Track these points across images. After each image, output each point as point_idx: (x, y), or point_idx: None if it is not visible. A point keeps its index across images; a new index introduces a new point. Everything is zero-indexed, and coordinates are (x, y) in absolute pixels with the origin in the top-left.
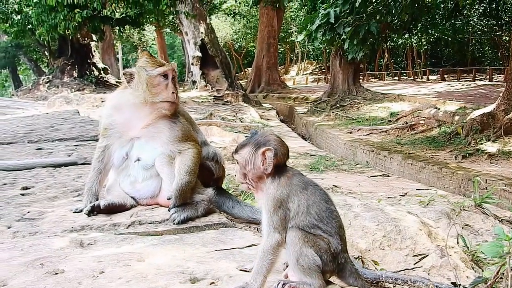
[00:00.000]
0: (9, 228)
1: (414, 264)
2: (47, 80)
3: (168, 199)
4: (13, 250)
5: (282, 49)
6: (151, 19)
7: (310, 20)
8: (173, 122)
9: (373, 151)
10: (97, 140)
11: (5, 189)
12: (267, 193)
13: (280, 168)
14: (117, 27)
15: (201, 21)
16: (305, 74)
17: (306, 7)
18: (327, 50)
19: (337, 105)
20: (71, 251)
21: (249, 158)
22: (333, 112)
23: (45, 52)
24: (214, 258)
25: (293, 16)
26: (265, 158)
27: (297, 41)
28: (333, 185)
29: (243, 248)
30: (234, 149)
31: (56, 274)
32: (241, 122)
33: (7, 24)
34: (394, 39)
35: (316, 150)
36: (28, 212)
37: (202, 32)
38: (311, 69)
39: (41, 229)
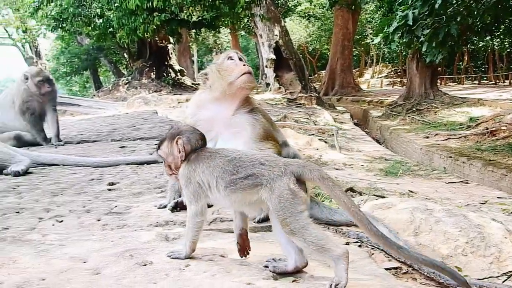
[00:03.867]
0: (98, 220)
1: (500, 273)
2: (126, 81)
3: None
4: (104, 241)
5: (356, 52)
6: (226, 22)
7: (387, 22)
8: (254, 119)
9: (451, 157)
10: None
11: (93, 184)
12: (180, 174)
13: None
14: (194, 30)
15: (276, 24)
16: (380, 77)
17: (382, 9)
18: (403, 53)
19: (413, 109)
20: (158, 244)
21: (168, 150)
22: (409, 116)
23: (125, 54)
24: None
25: (369, 19)
26: (179, 146)
27: (373, 44)
28: (409, 191)
29: None
30: (156, 147)
31: (145, 265)
32: (315, 124)
33: (90, 28)
34: (475, 41)
35: (391, 155)
36: (116, 206)
37: (276, 35)
38: (386, 72)
39: (128, 222)
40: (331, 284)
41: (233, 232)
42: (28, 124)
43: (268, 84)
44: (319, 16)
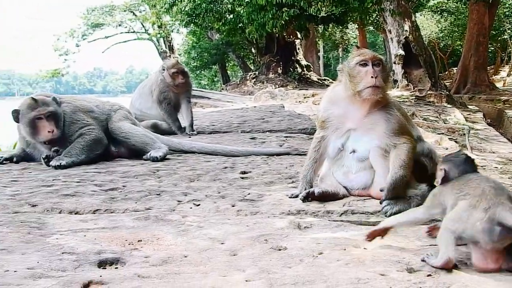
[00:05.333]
0: (233, 206)
1: None
2: (254, 76)
3: (381, 191)
4: (240, 225)
5: (492, 48)
6: (355, 17)
7: None
8: (389, 114)
9: None
10: (305, 133)
11: (227, 172)
12: None
13: None
14: (321, 25)
15: (406, 19)
16: None
17: None
18: None
19: None
20: (290, 231)
21: None
22: None
23: (253, 49)
24: (429, 251)
25: (507, 13)
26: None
27: (511, 40)
28: None
29: (459, 245)
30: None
31: (279, 250)
32: (444, 123)
33: (220, 23)
34: None
35: None
36: (249, 194)
37: (406, 30)
38: None
39: (261, 209)
40: None
41: (364, 224)
42: (165, 114)
43: (395, 81)
44: (452, 10)
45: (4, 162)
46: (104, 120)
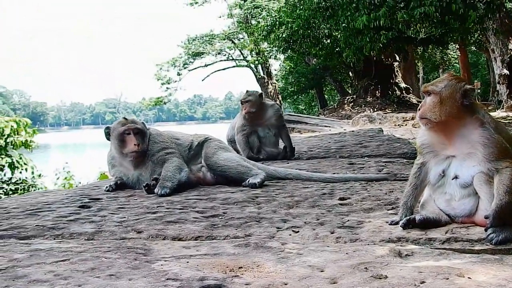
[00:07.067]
0: (332, 233)
1: None
2: (351, 99)
3: (486, 218)
4: (339, 253)
5: None
6: (455, 38)
7: None
8: (486, 139)
9: None
10: (404, 158)
11: (325, 199)
12: None
13: None
14: (420, 47)
15: (510, 38)
16: None
17: None
18: None
19: None
20: (391, 259)
21: None
22: None
23: (350, 73)
24: None
25: None
26: None
27: None
28: None
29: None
30: None
31: (380, 278)
32: None
33: (317, 48)
34: None
35: None
36: (348, 220)
37: (510, 49)
38: None
39: (360, 236)
40: None
41: (468, 253)
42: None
43: (500, 102)
44: None
45: (112, 189)
46: (187, 147)
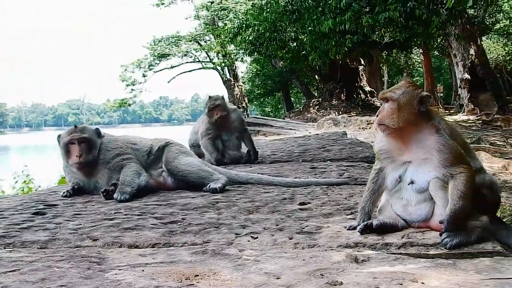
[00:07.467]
0: (290, 239)
1: None
2: (317, 102)
3: (441, 223)
4: (296, 259)
5: None
6: (419, 42)
7: None
8: (441, 145)
9: None
10: (366, 162)
11: (286, 204)
12: None
13: None
14: (385, 51)
15: (472, 43)
16: None
17: None
18: None
19: None
20: (347, 265)
21: None
22: None
23: (316, 76)
24: (490, 286)
25: None
26: None
27: None
28: None
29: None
30: None
31: (335, 285)
32: None
33: (284, 51)
34: None
35: None
36: (307, 226)
37: (472, 54)
38: None
39: (318, 242)
40: None
41: (423, 257)
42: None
43: (461, 105)
44: None
45: (70, 195)
46: (145, 152)
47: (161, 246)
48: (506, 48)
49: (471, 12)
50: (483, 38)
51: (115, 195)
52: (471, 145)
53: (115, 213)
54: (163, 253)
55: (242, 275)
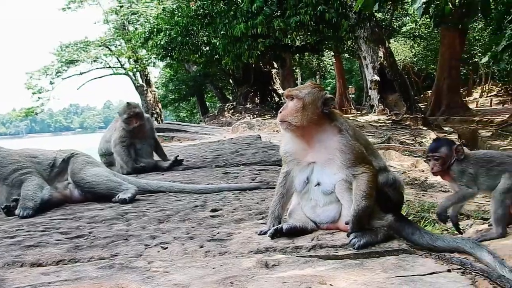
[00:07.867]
0: (201, 247)
1: None
2: (231, 106)
3: (346, 223)
4: (206, 268)
5: (464, 71)
6: (330, 45)
7: (495, 41)
8: (343, 145)
9: None
10: (279, 165)
11: (197, 211)
12: None
13: None
14: (297, 54)
15: (380, 46)
16: (490, 96)
17: (490, 28)
18: None
19: None
20: (257, 271)
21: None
22: None
23: (230, 80)
24: (395, 284)
25: (477, 37)
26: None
27: (481, 63)
28: None
29: (424, 275)
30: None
31: None
32: (420, 146)
33: (197, 55)
34: None
35: None
36: (218, 233)
37: (380, 56)
38: (496, 90)
39: (229, 249)
40: None
41: (332, 259)
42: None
43: (372, 106)
44: (425, 36)
45: None
46: (48, 166)
47: (66, 263)
48: (413, 50)
49: (379, 16)
50: (391, 40)
51: (17, 211)
52: (382, 144)
53: (16, 230)
54: (68, 270)
55: None
